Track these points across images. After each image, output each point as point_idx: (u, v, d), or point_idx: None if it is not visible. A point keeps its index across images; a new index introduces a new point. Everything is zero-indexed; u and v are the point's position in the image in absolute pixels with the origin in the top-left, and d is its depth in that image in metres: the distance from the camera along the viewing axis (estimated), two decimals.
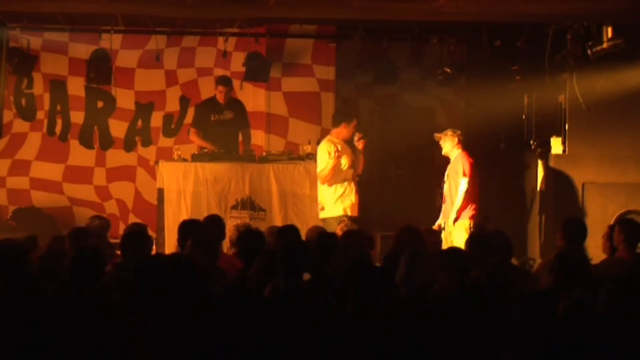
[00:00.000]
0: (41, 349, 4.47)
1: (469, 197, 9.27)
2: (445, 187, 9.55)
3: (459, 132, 9.56)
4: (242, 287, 5.49)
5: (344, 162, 9.63)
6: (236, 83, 11.23)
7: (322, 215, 9.62)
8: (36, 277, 6.01)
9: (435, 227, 9.31)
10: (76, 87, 11.74)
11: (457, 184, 9.33)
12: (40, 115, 11.78)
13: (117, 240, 7.32)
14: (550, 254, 7.22)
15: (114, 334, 4.55)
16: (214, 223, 7.71)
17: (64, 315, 4.71)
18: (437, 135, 9.65)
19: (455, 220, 9.20)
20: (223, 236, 7.67)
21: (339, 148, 9.67)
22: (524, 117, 10.65)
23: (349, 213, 9.54)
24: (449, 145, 9.53)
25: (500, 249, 6.78)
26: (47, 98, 11.79)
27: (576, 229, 7.19)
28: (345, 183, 9.63)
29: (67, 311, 4.76)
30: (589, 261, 6.32)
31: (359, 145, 9.72)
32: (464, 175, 9.30)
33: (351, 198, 9.63)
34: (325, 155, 9.66)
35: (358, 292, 5.13)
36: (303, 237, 7.53)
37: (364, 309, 4.94)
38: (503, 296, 5.35)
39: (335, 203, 9.61)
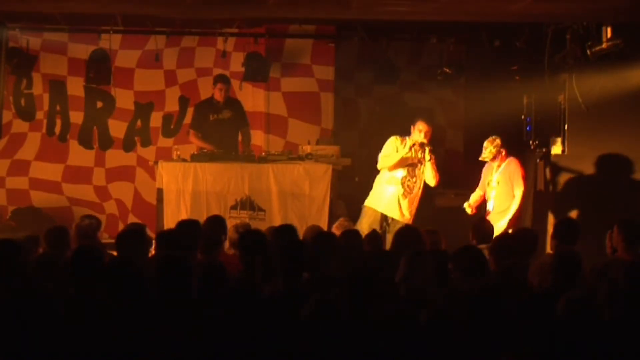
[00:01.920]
0: (40, 350, 4.47)
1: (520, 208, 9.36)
2: (494, 192, 9.53)
3: (497, 141, 9.52)
4: (243, 287, 5.49)
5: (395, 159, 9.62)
6: (235, 83, 11.23)
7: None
8: (36, 277, 6.00)
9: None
10: (75, 87, 11.74)
11: (508, 193, 9.38)
12: (39, 115, 11.78)
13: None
14: (543, 255, 7.20)
15: (113, 334, 4.55)
16: (217, 223, 7.71)
17: (63, 315, 4.71)
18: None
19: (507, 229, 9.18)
20: (225, 236, 7.67)
21: (399, 144, 9.66)
22: (523, 117, 10.65)
23: (376, 208, 9.64)
24: (489, 154, 9.54)
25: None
26: (46, 98, 11.78)
27: (568, 229, 7.19)
28: (390, 179, 9.65)
29: (66, 311, 4.75)
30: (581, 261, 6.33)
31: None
32: (519, 184, 9.38)
33: (389, 197, 9.64)
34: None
35: (355, 292, 5.14)
36: (301, 236, 7.50)
37: (362, 309, 4.93)
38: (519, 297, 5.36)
39: (371, 193, 9.77)
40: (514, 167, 9.51)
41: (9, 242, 6.10)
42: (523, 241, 6.98)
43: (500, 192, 9.51)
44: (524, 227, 8.27)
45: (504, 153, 9.56)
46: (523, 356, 4.10)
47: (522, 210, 9.49)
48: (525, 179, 9.49)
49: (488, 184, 9.62)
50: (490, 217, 9.39)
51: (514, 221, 9.32)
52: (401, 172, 9.65)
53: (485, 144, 9.55)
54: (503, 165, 9.55)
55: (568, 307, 4.69)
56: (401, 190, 9.63)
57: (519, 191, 9.40)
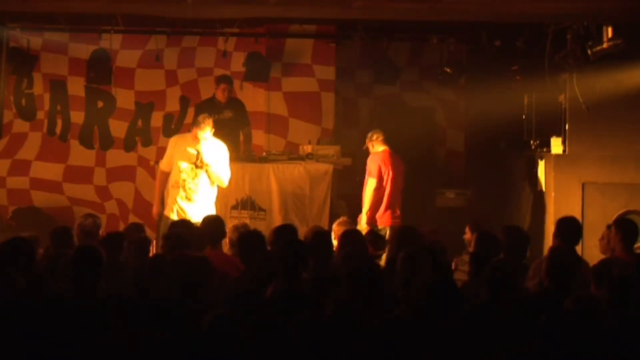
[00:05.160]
0: (44, 348, 4.48)
1: (379, 201, 9.19)
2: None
3: (369, 134, 9.50)
4: (244, 288, 5.50)
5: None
6: (236, 83, 11.22)
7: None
8: (41, 276, 6.03)
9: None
10: (76, 87, 11.74)
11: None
12: (40, 115, 11.78)
13: None
14: (545, 254, 7.21)
15: (115, 334, 4.56)
16: (215, 223, 7.70)
17: (67, 314, 4.72)
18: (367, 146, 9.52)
19: (367, 223, 9.10)
20: (223, 235, 7.66)
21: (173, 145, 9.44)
22: (524, 117, 10.65)
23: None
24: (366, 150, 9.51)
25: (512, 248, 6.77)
26: (47, 98, 11.78)
27: (570, 228, 7.18)
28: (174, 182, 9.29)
29: (69, 310, 4.77)
30: (579, 261, 6.34)
31: None
32: (369, 174, 9.27)
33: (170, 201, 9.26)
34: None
35: (357, 292, 5.15)
36: (301, 236, 7.49)
37: (362, 308, 4.94)
38: (505, 296, 5.36)
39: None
40: (369, 160, 9.40)
41: (23, 241, 6.11)
42: (513, 240, 6.92)
43: (365, 190, 9.46)
44: (514, 225, 8.04)
45: (372, 147, 9.50)
46: (521, 356, 4.11)
47: (389, 206, 9.27)
48: (381, 171, 9.33)
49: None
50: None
51: (382, 219, 9.20)
52: (183, 175, 9.16)
53: (375, 137, 9.53)
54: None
55: (570, 307, 4.71)
56: (183, 194, 9.15)
57: (369, 185, 9.25)
